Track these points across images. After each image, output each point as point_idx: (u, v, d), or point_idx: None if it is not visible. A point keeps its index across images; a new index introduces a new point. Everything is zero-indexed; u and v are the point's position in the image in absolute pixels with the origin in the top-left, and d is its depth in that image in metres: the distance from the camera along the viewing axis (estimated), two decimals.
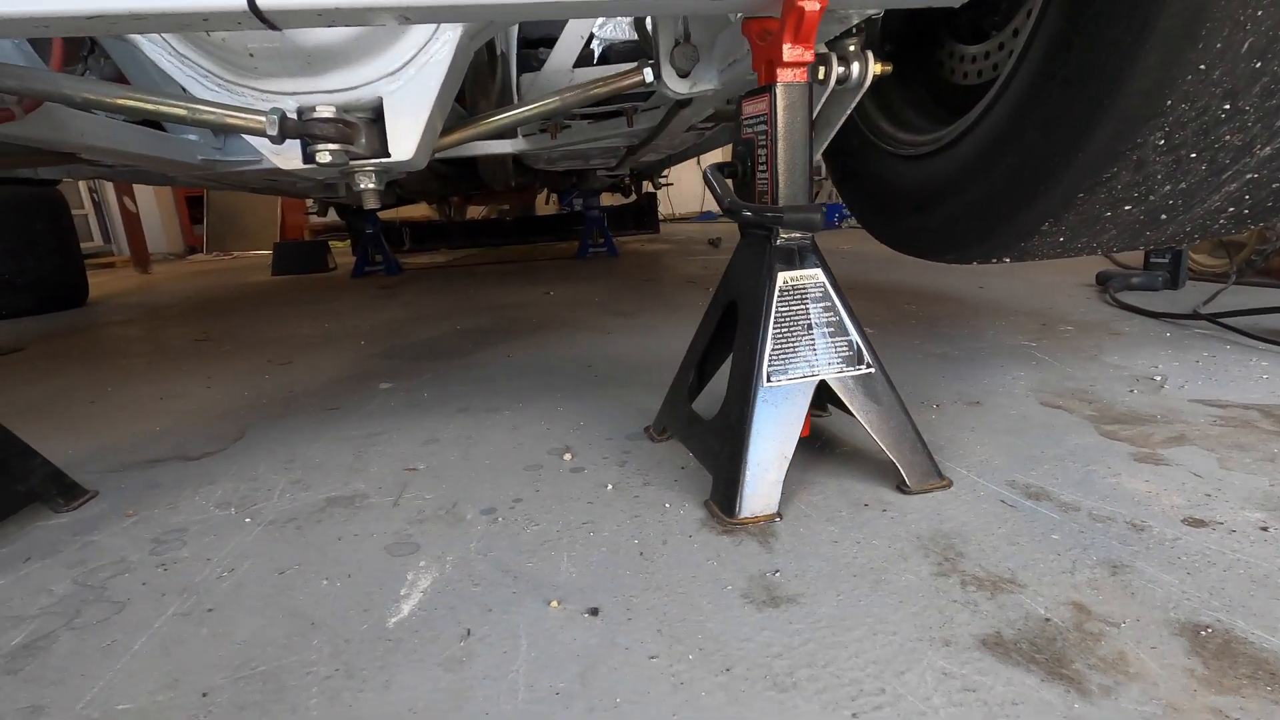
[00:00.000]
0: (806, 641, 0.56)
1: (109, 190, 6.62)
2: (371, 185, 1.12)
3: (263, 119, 0.97)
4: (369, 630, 0.62)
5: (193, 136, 1.78)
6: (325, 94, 1.04)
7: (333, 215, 5.92)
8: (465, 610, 0.64)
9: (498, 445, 1.07)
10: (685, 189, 8.15)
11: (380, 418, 1.25)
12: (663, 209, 6.35)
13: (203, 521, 0.87)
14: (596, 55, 1.65)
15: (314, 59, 1.01)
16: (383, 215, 4.62)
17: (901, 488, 0.82)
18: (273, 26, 0.73)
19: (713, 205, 8.62)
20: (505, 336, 1.93)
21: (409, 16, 0.77)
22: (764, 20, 0.84)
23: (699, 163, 8.41)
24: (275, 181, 2.52)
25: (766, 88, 0.80)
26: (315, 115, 0.99)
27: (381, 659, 0.58)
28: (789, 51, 0.77)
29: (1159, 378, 1.18)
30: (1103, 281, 2.03)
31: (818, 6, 0.74)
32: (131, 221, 5.13)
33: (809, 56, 0.78)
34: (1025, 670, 0.51)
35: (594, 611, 0.62)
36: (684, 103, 1.48)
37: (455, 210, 6.26)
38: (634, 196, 5.37)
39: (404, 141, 1.07)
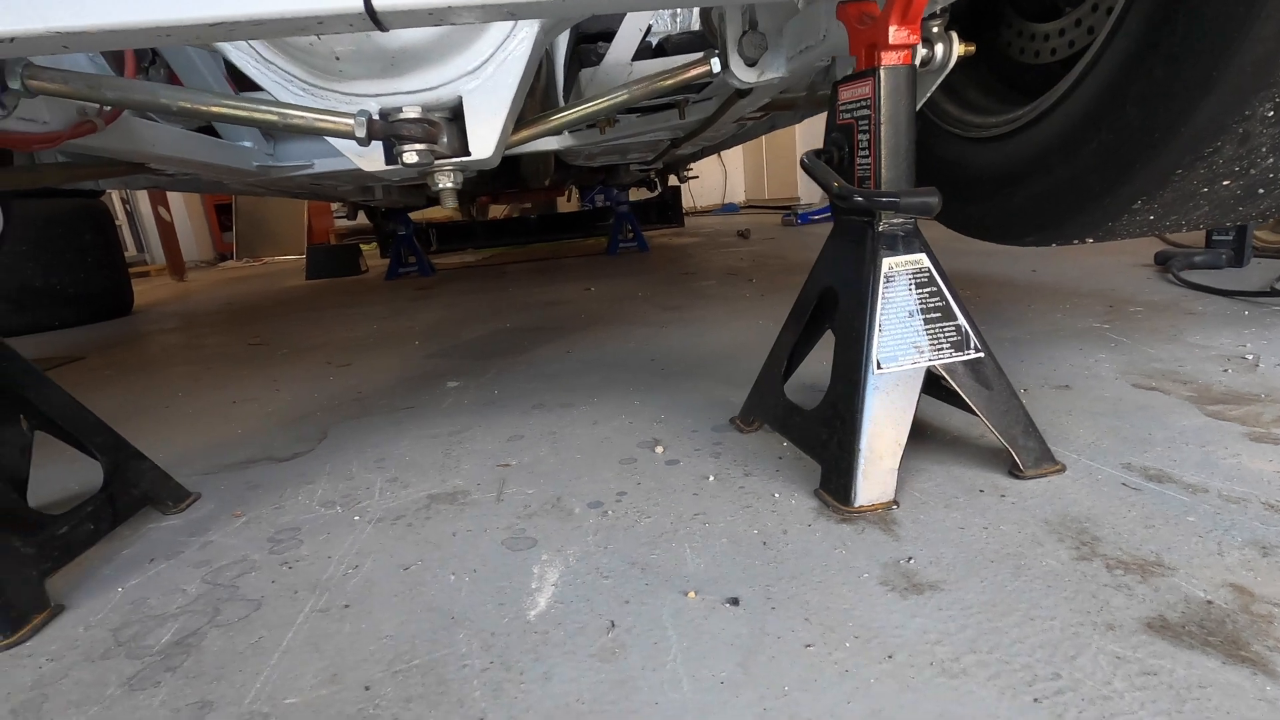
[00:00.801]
0: (963, 628, 0.56)
1: (140, 201, 6.73)
2: (450, 184, 1.12)
3: (350, 121, 0.98)
4: (511, 624, 0.62)
5: (248, 143, 1.81)
6: (406, 95, 1.05)
7: (360, 219, 6.00)
8: (602, 602, 0.64)
9: (584, 440, 1.08)
10: (706, 182, 8.12)
11: (457, 415, 1.26)
12: (685, 202, 6.34)
13: (313, 520, 0.88)
14: (653, 48, 1.65)
15: (397, 60, 1.02)
16: (410, 217, 4.64)
17: (1014, 472, 0.81)
18: (381, 28, 0.73)
19: (734, 198, 8.59)
20: (558, 334, 1.94)
21: (515, 14, 0.77)
22: (862, 4, 0.83)
23: (720, 158, 8.37)
24: (320, 185, 2.55)
25: (869, 72, 0.79)
26: (401, 116, 0.99)
27: (533, 651, 0.58)
28: (895, 34, 0.76)
29: (1250, 356, 1.16)
30: (1162, 261, 1.99)
31: None
32: (167, 230, 5.22)
33: (914, 39, 0.77)
34: (1202, 653, 0.50)
35: (734, 601, 0.62)
36: (743, 92, 1.47)
37: (478, 210, 6.29)
38: (659, 190, 5.36)
39: (484, 139, 1.07)
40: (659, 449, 1.01)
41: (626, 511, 0.82)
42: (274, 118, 0.96)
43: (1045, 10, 1.30)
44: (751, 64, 1.24)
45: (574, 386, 1.38)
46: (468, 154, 1.07)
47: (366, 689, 0.56)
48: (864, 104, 0.81)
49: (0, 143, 1.00)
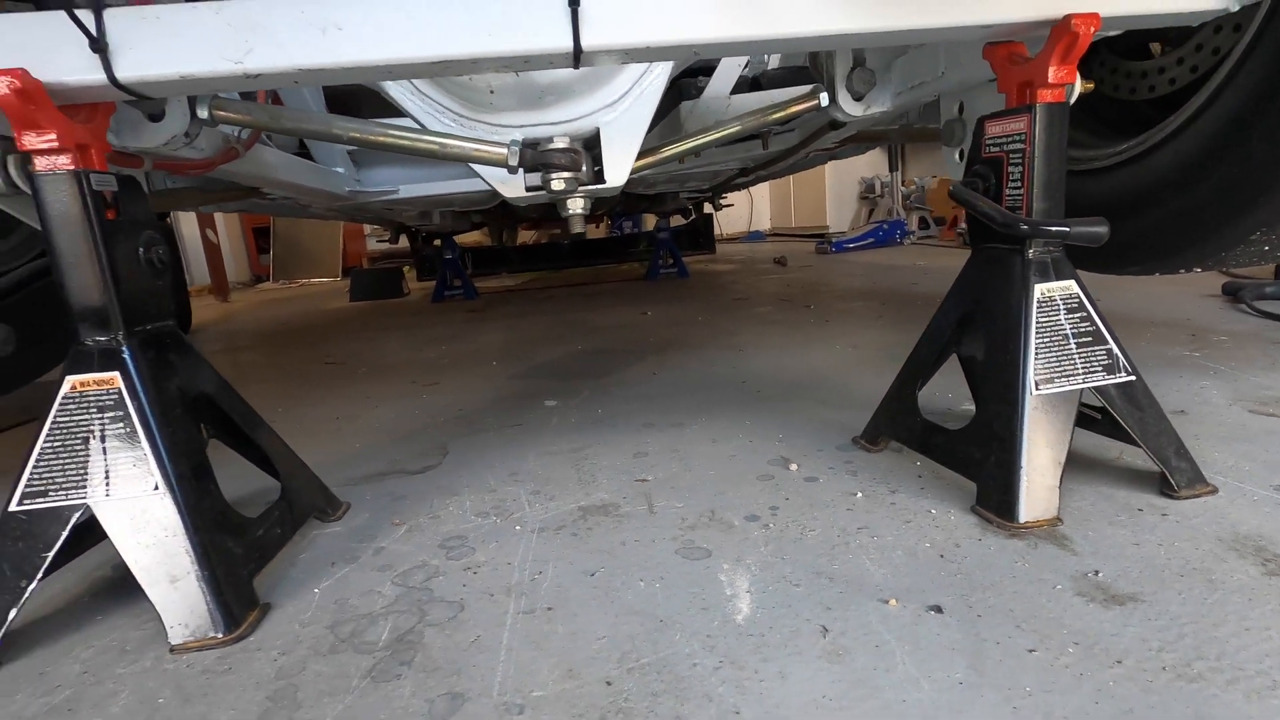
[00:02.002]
0: (1180, 637, 0.58)
1: (181, 222, 6.90)
2: (581, 210, 1.18)
3: (503, 151, 1.03)
4: (722, 627, 0.65)
5: (340, 169, 1.88)
6: (550, 125, 1.11)
7: (395, 242, 6.12)
8: (804, 608, 0.67)
9: (710, 458, 1.11)
10: (732, 210, 8.22)
11: (569, 434, 1.30)
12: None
13: (475, 529, 0.91)
14: (750, 81, 1.71)
15: (544, 94, 1.08)
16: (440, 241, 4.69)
17: (1167, 493, 0.84)
18: (575, 66, 0.79)
19: (759, 225, 8.68)
20: (633, 357, 1.98)
21: (700, 53, 0.82)
22: (1011, 45, 0.88)
23: (749, 193, 8.47)
24: (391, 210, 2.62)
25: (1024, 109, 0.84)
26: (552, 146, 1.05)
27: (757, 652, 0.61)
28: (1054, 74, 0.81)
29: None
30: (1232, 292, 2.01)
31: (1092, 31, 0.77)
32: (213, 252, 5.34)
33: (1072, 78, 0.82)
34: None
35: (937, 609, 0.65)
36: (836, 125, 1.52)
37: (509, 235, 6.41)
38: (692, 217, 5.44)
39: (618, 168, 1.13)
40: (792, 467, 1.04)
41: (787, 525, 0.85)
42: (434, 147, 1.02)
43: (1135, 50, 1.35)
44: (859, 98, 1.29)
45: (676, 407, 1.41)
46: (603, 181, 1.13)
47: (608, 684, 0.58)
48: (1016, 139, 0.86)
49: (171, 167, 1.06)
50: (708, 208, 5.48)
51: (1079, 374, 0.83)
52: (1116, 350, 0.85)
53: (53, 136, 0.69)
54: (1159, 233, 1.18)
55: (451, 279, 4.25)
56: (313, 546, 0.90)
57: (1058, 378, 0.83)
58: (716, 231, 7.87)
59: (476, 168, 1.12)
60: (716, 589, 0.72)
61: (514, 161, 1.03)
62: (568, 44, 0.74)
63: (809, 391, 1.45)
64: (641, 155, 1.34)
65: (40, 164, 0.70)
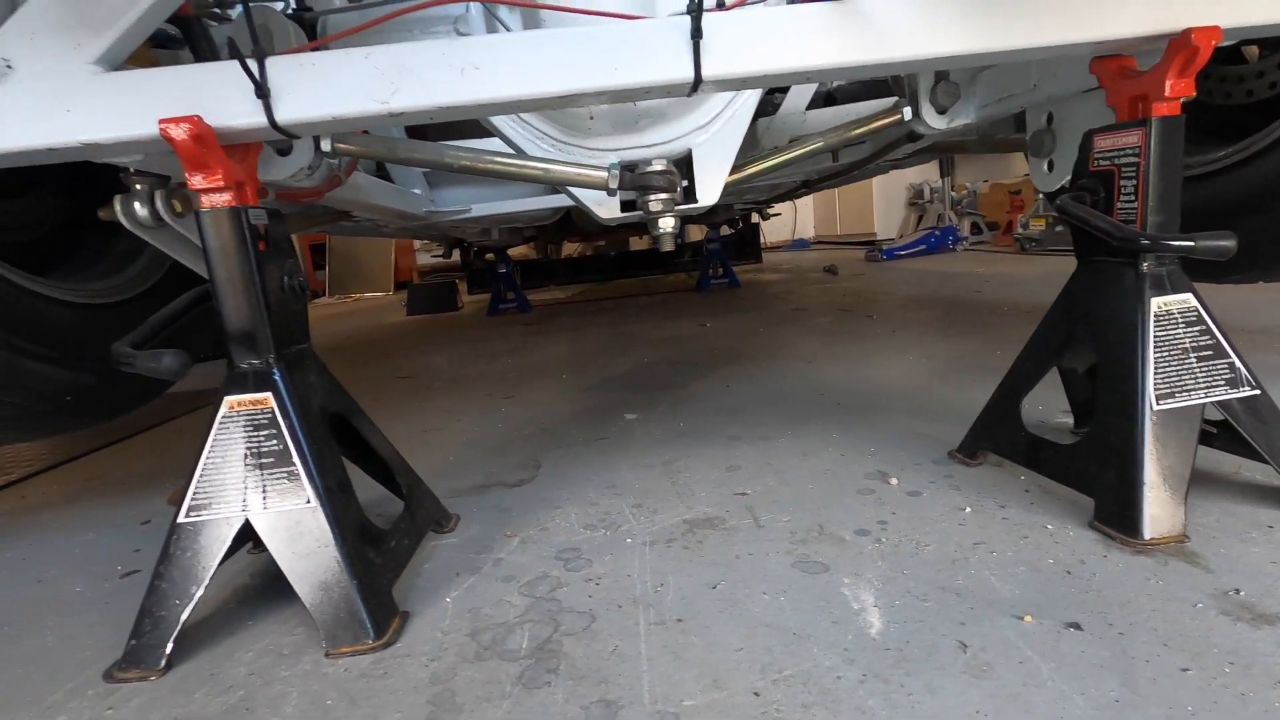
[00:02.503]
0: None
1: None
2: (671, 229, 1.20)
3: (603, 174, 1.07)
4: (858, 640, 0.66)
5: (417, 191, 1.96)
6: (644, 148, 1.14)
7: (436, 256, 6.28)
8: (937, 623, 0.68)
9: (804, 471, 1.12)
10: (776, 218, 8.18)
11: (657, 447, 1.32)
12: None
13: (586, 542, 0.94)
14: (825, 97, 1.73)
15: (641, 119, 1.11)
16: (492, 255, 4.77)
17: None
18: (692, 93, 0.82)
19: (803, 233, 8.62)
20: (703, 369, 2.00)
21: (811, 79, 0.84)
22: (1121, 59, 0.88)
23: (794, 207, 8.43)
24: (458, 227, 2.70)
25: (1137, 122, 0.84)
26: (650, 169, 1.08)
27: (900, 666, 0.62)
28: (1171, 87, 0.81)
29: None
30: None
31: (1213, 45, 0.77)
32: None
33: (1190, 91, 0.81)
34: None
35: (1075, 626, 0.65)
36: (914, 137, 1.53)
37: (553, 248, 6.50)
38: (739, 227, 5.44)
39: (710, 187, 1.16)
40: (892, 481, 1.04)
41: (900, 540, 0.86)
42: (538, 173, 1.06)
43: (1231, 53, 1.32)
44: (942, 112, 1.29)
45: (759, 420, 1.43)
46: (695, 201, 1.15)
47: (756, 695, 0.60)
48: (1129, 152, 0.85)
49: (289, 197, 1.13)
50: (755, 217, 5.50)
51: (1200, 388, 0.82)
52: (1239, 364, 0.84)
53: (219, 176, 0.75)
54: (1263, 241, 1.15)
55: (505, 292, 4.34)
56: (434, 557, 0.94)
57: (1178, 392, 0.82)
58: (761, 240, 7.86)
59: (573, 190, 1.16)
60: (842, 603, 0.73)
61: (614, 184, 1.07)
62: (689, 75, 0.77)
63: (891, 404, 1.45)
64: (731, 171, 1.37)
65: (206, 201, 0.76)
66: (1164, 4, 0.79)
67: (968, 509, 0.92)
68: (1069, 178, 1.24)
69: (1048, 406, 1.27)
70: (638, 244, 6.80)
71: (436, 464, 1.36)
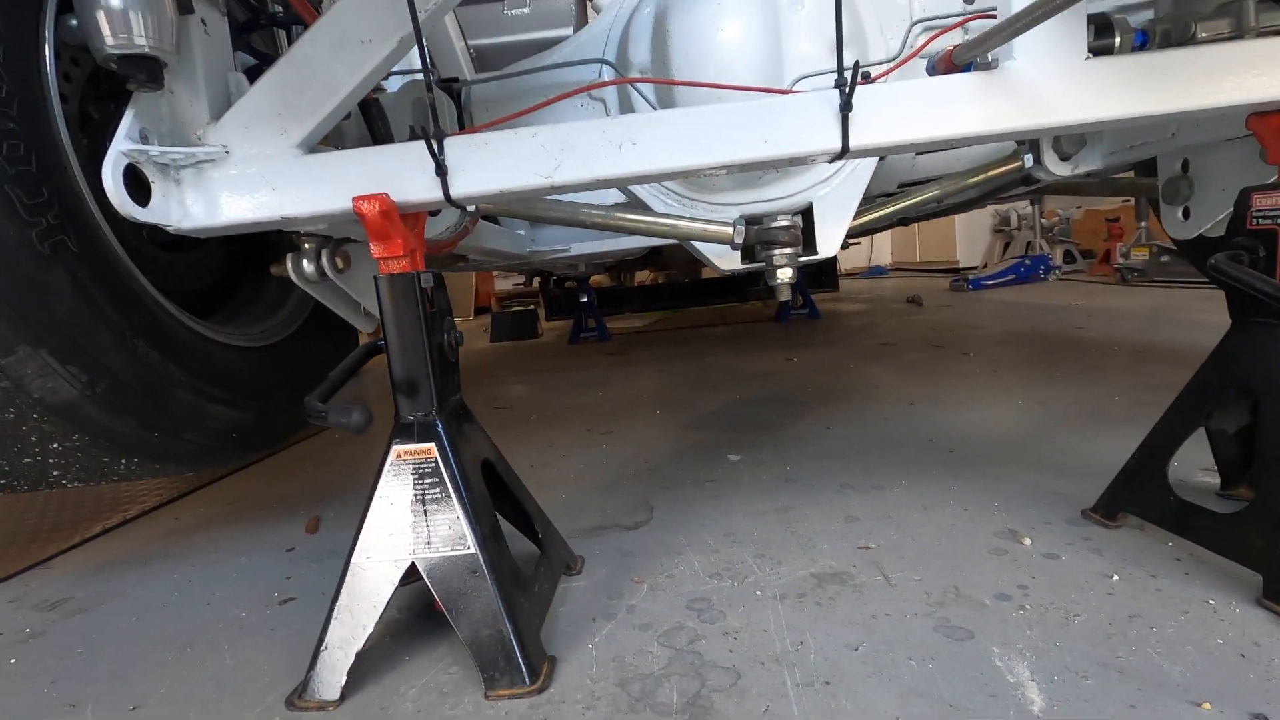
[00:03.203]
0: None
1: None
2: (790, 279, 1.22)
3: (728, 230, 1.10)
4: (1020, 717, 0.65)
5: (521, 231, 2.05)
6: (765, 203, 1.17)
7: (517, 285, 6.49)
8: (1106, 705, 0.66)
9: (928, 526, 1.11)
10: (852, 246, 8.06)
11: (769, 492, 1.33)
12: None
13: (714, 591, 0.96)
14: None
15: (766, 173, 1.15)
16: (572, 283, 4.89)
17: None
18: (839, 159, 0.84)
19: (879, 260, 8.45)
20: (798, 408, 1.99)
21: (952, 145, 0.86)
22: None
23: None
24: (551, 263, 2.80)
25: None
26: (775, 224, 1.11)
27: None
28: None
29: None
30: None
31: None
32: None
33: None
34: None
35: (1263, 718, 0.62)
36: (1030, 180, 1.50)
37: (627, 275, 6.60)
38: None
39: (830, 239, 1.17)
40: (1025, 541, 1.02)
41: (1045, 608, 0.84)
42: (667, 228, 1.10)
43: None
44: (1066, 159, 1.27)
45: (869, 467, 1.41)
46: (815, 253, 1.17)
47: None
48: None
49: (431, 249, 1.21)
50: None
51: None
52: None
53: (398, 246, 0.82)
54: None
55: (586, 320, 4.44)
56: (568, 600, 0.98)
57: None
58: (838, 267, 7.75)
59: (699, 245, 1.20)
60: (996, 675, 0.72)
61: (739, 240, 1.10)
62: (836, 145, 0.79)
63: (1009, 454, 1.41)
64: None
65: (385, 268, 0.83)
66: None
67: (1115, 577, 0.89)
68: (1207, 225, 1.20)
69: (1184, 463, 1.21)
70: (709, 271, 6.84)
71: (550, 502, 1.41)
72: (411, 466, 0.84)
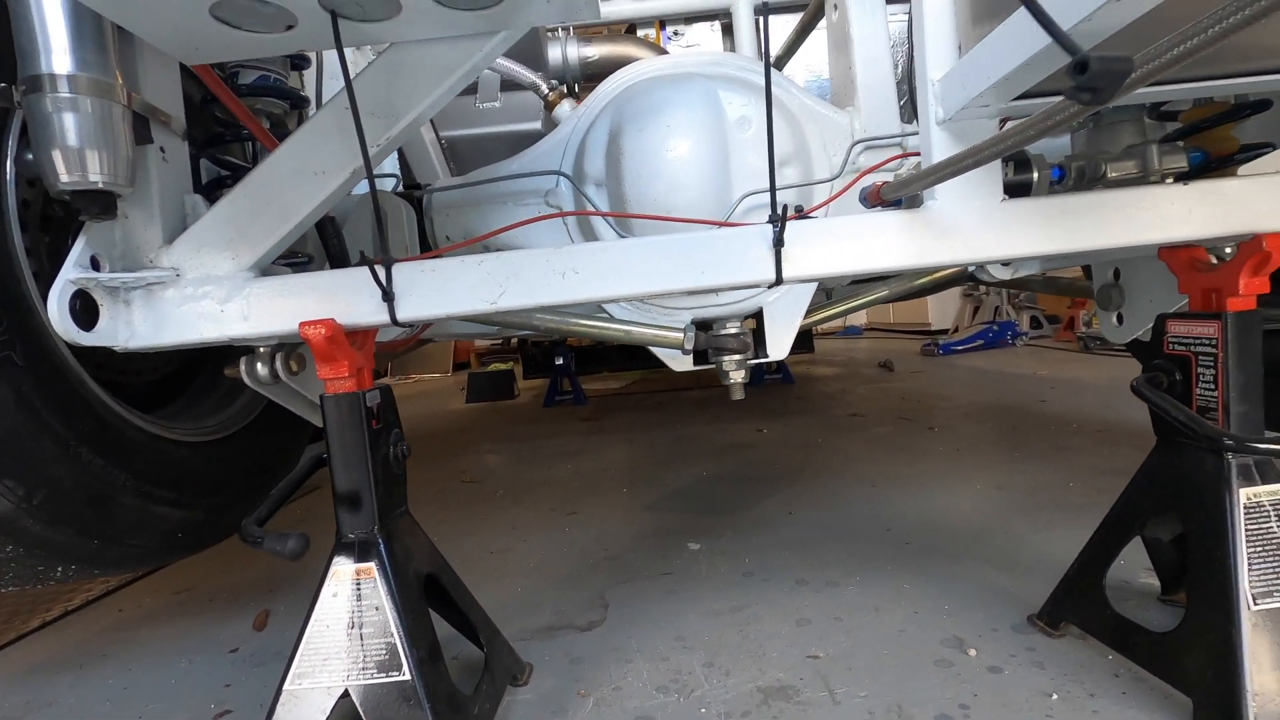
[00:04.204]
0: None
1: None
2: (741, 380, 1.25)
3: (679, 335, 1.13)
4: None
5: None
6: (718, 307, 1.20)
7: (495, 345, 6.50)
8: None
9: (878, 632, 1.11)
10: None
11: (724, 588, 1.32)
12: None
13: (660, 709, 0.95)
14: None
15: None
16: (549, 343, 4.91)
17: None
18: (772, 287, 0.88)
19: (855, 320, 8.60)
20: (765, 485, 2.00)
21: (877, 273, 0.90)
22: (1190, 251, 0.90)
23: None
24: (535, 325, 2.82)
25: (1213, 315, 0.85)
26: (725, 331, 1.14)
27: None
28: (1245, 286, 0.83)
29: None
30: None
31: None
32: None
33: (1266, 288, 0.83)
34: None
35: None
36: (974, 278, 1.56)
37: None
38: None
39: (780, 342, 1.20)
40: (970, 651, 1.02)
41: None
42: (620, 334, 1.13)
43: None
44: (1007, 264, 1.33)
45: (825, 560, 1.42)
46: (765, 356, 1.20)
47: None
48: (1206, 342, 0.87)
49: (387, 348, 1.22)
50: None
51: None
52: None
53: (344, 368, 0.83)
54: None
55: (562, 382, 4.45)
56: (512, 714, 0.96)
57: (1277, 591, 0.80)
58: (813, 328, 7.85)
59: (651, 347, 1.23)
60: None
61: (689, 346, 1.13)
62: (770, 276, 0.83)
63: (964, 546, 1.42)
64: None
65: (331, 388, 0.84)
66: (1232, 210, 0.82)
67: (1054, 695, 0.89)
68: (1139, 332, 1.25)
69: (1131, 562, 1.23)
70: None
71: (506, 596, 1.39)
72: (350, 586, 0.84)
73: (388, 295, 0.82)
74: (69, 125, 0.72)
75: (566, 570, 1.50)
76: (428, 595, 0.99)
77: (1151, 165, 0.89)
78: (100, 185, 0.74)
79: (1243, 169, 0.92)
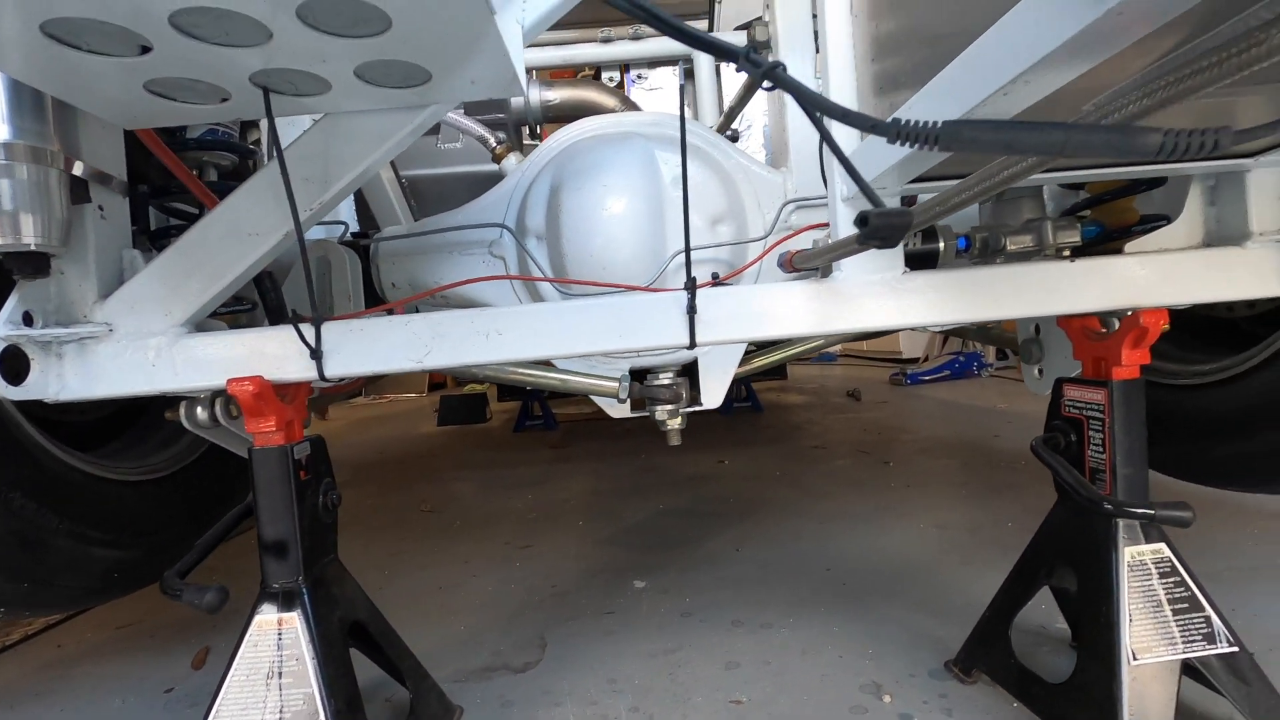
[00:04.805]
0: None
1: None
2: (678, 427, 1.29)
3: (615, 385, 1.17)
4: None
5: None
6: (654, 357, 1.24)
7: None
8: None
9: (801, 675, 1.14)
10: None
11: (661, 629, 1.35)
12: None
13: None
14: None
15: None
16: None
17: None
18: (689, 349, 0.92)
19: (830, 349, 8.72)
20: (718, 521, 2.03)
21: (792, 339, 0.95)
22: (1084, 320, 0.96)
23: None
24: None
25: (1101, 383, 0.91)
26: (658, 382, 1.18)
27: None
28: (1127, 357, 0.88)
29: None
30: None
31: (1162, 325, 0.85)
32: None
33: (1146, 359, 0.89)
34: None
35: None
36: None
37: None
38: None
39: (714, 392, 1.25)
40: (886, 698, 1.06)
41: None
42: (557, 383, 1.17)
43: None
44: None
45: (763, 599, 1.45)
46: (700, 404, 1.24)
47: None
48: (1095, 408, 0.92)
49: (329, 391, 1.25)
50: None
51: (1178, 643, 0.85)
52: (1215, 618, 0.86)
53: (271, 423, 0.86)
54: (1258, 458, 1.19)
55: (533, 406, 4.46)
56: None
57: (1155, 646, 0.84)
58: None
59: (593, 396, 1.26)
60: None
61: (623, 396, 1.17)
62: (684, 339, 0.87)
63: (896, 588, 1.47)
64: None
65: (259, 441, 0.87)
66: (1114, 286, 0.87)
67: None
68: None
69: (1051, 609, 1.27)
70: None
71: (448, 635, 1.40)
72: (272, 636, 0.86)
73: (315, 354, 0.85)
74: (3, 190, 0.75)
75: (512, 608, 1.52)
76: (358, 640, 1.01)
77: (1047, 240, 0.95)
78: (33, 247, 0.76)
79: (1131, 245, 0.98)
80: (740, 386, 4.52)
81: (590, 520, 2.17)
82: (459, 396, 5.31)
